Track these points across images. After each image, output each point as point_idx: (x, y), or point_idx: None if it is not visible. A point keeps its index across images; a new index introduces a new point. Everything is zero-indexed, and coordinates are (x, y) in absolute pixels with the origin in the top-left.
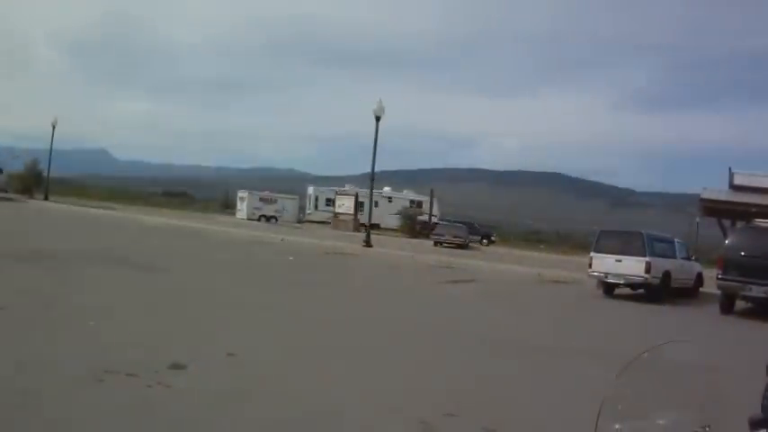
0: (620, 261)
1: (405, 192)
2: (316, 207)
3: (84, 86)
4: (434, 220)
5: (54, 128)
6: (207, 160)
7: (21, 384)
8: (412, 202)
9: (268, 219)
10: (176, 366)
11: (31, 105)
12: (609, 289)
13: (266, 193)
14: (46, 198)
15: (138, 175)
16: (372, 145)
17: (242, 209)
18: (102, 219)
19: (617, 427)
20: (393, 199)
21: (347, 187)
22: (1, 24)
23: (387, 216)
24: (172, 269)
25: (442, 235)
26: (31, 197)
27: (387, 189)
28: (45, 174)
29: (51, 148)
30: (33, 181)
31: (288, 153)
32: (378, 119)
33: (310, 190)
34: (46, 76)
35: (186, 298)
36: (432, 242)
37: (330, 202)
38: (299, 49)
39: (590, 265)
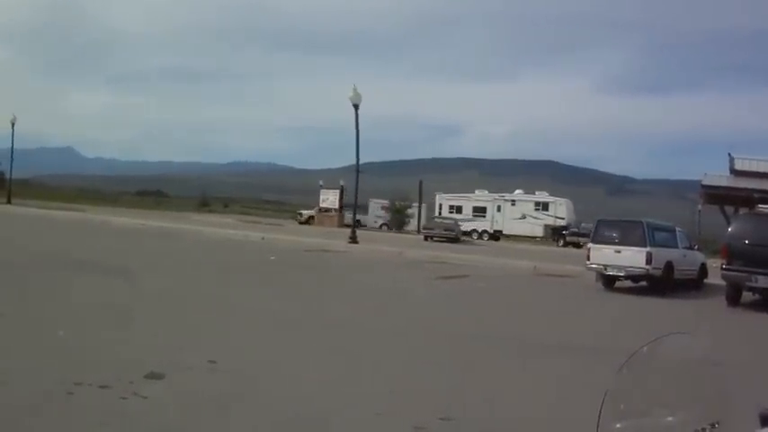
0: (619, 252)
1: (537, 193)
2: (440, 213)
3: (43, 81)
4: (561, 224)
5: (13, 125)
6: (180, 156)
7: None
8: (537, 204)
9: (390, 227)
10: (153, 376)
11: None
12: (608, 282)
13: (389, 202)
14: (9, 201)
15: (108, 174)
16: (353, 135)
17: (366, 217)
18: (70, 221)
19: (619, 426)
20: (516, 202)
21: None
22: None
23: (509, 221)
24: (145, 273)
25: (432, 229)
26: None
27: (518, 191)
28: (6, 175)
29: (12, 148)
30: None
31: (266, 146)
32: (356, 107)
33: (437, 197)
34: None
35: (162, 303)
36: (422, 237)
37: (454, 208)
38: (273, 35)
39: (588, 257)
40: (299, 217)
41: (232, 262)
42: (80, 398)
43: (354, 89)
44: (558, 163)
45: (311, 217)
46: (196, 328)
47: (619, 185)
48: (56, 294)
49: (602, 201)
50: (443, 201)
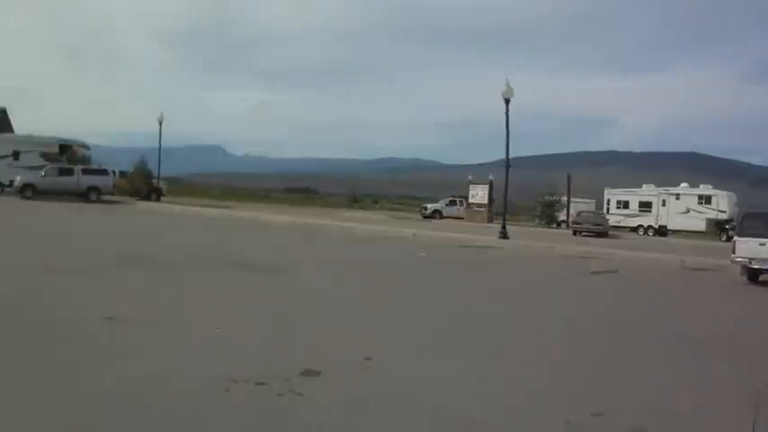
0: (764, 245)
1: (701, 186)
2: (608, 209)
3: (194, 80)
4: (723, 217)
5: (161, 124)
6: (328, 152)
7: (145, 399)
8: (700, 197)
9: (558, 224)
10: (309, 373)
11: (139, 104)
12: (753, 275)
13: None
14: (157, 199)
15: (256, 171)
16: (501, 129)
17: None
18: (220, 219)
19: None
20: (681, 196)
21: None
22: (97, 23)
23: (673, 215)
24: (297, 270)
25: (581, 224)
26: (141, 199)
27: (684, 185)
28: (155, 174)
29: (160, 147)
30: (143, 182)
31: (412, 141)
32: (507, 101)
33: (605, 192)
34: (151, 73)
35: (315, 300)
36: (571, 232)
37: (621, 203)
38: (417, 30)
39: (733, 251)
40: (423, 211)
41: (384, 258)
42: (236, 395)
43: (507, 84)
44: (702, 155)
45: (436, 211)
46: (350, 324)
47: (763, 177)
48: (212, 291)
49: (746, 193)
50: (611, 196)
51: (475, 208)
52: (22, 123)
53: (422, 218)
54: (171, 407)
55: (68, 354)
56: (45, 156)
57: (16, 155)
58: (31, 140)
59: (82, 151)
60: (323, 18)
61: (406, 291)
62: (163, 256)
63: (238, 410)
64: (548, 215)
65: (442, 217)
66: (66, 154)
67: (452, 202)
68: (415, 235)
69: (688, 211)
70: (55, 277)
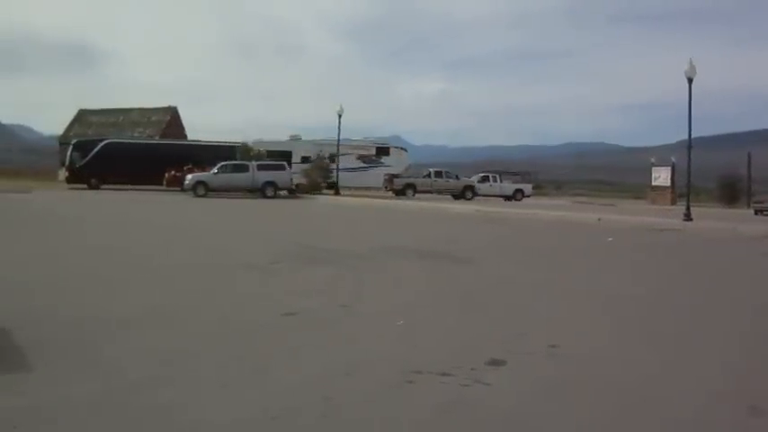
0: None
1: None
2: None
3: (371, 71)
4: None
5: (340, 117)
6: (509, 140)
7: (326, 393)
8: None
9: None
10: (494, 363)
11: (315, 96)
12: None
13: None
14: (337, 192)
15: (436, 161)
16: (685, 110)
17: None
18: (397, 209)
19: None
20: None
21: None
22: (270, 13)
23: None
24: (480, 258)
25: (763, 203)
26: (320, 192)
27: None
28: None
29: (339, 139)
30: (321, 175)
31: (594, 125)
32: (690, 81)
33: None
34: (326, 65)
35: (498, 289)
36: (752, 212)
37: None
38: (598, 10)
39: None
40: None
41: (569, 245)
42: (420, 386)
43: (690, 62)
44: None
45: (468, 187)
46: (536, 313)
47: None
48: (395, 283)
49: None
50: None
51: (658, 191)
52: (197, 118)
53: (452, 198)
54: (353, 401)
55: (249, 350)
56: (362, 158)
57: (332, 158)
58: (349, 144)
59: (402, 151)
60: (502, 2)
61: (593, 277)
62: (344, 249)
63: (422, 401)
64: (727, 195)
65: (475, 194)
66: (383, 157)
67: (485, 178)
68: (600, 220)
69: None
70: (233, 273)
